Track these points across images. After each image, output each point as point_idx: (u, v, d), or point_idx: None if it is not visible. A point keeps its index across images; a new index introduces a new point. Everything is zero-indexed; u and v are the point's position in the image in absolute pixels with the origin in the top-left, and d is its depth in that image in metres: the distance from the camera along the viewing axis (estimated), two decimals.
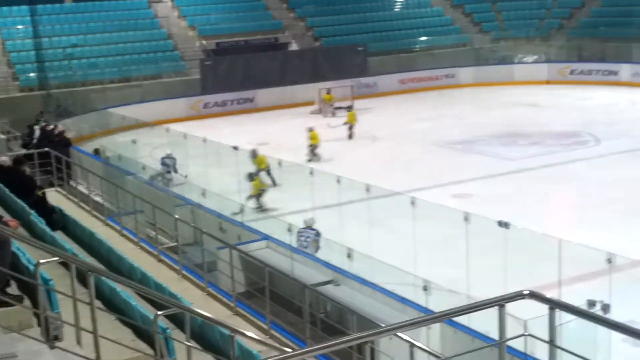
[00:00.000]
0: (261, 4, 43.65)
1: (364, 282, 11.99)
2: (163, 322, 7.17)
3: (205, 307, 9.83)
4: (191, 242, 14.24)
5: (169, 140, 25.24)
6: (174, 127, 26.93)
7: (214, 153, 21.95)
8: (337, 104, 32.77)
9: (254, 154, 21.25)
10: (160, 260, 12.36)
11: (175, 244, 12.99)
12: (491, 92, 37.28)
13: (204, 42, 40.09)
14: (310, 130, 24.86)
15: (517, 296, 4.58)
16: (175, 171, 21.71)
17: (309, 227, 14.58)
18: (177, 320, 7.93)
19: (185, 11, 41.79)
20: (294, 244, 14.11)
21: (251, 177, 19.53)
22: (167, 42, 39.23)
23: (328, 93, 33.89)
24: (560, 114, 30.71)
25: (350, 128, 28.22)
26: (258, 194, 19.33)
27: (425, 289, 10.56)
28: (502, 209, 16.89)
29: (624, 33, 39.58)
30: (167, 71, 37.42)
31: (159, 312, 6.73)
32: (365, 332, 4.37)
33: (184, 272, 11.77)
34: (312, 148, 24.66)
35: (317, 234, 14.39)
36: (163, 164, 21.97)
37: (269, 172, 21.21)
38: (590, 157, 23.24)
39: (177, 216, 13.49)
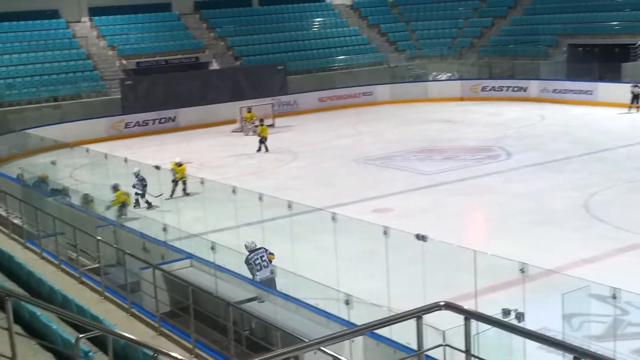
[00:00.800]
0: (181, 24, 43.48)
1: (287, 297, 12.08)
2: (85, 345, 7.13)
3: (129, 328, 9.79)
4: (114, 263, 14.06)
5: (90, 160, 24.85)
6: (94, 147, 26.55)
7: None
8: (257, 122, 32.91)
9: (114, 189, 20.56)
10: (82, 283, 12.19)
11: (97, 265, 12.83)
12: (407, 109, 38.14)
13: (124, 61, 39.60)
14: (179, 164, 22.77)
15: (434, 307, 4.79)
16: (143, 195, 21.36)
17: (251, 251, 13.81)
18: (99, 342, 7.88)
19: (104, 31, 41.20)
20: (250, 276, 13.44)
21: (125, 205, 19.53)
22: (86, 62, 38.56)
23: (249, 111, 34.03)
24: (473, 129, 31.66)
25: (262, 141, 28.98)
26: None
27: (347, 303, 10.67)
28: (419, 222, 17.39)
29: (531, 51, 41.12)
30: (86, 91, 36.81)
31: (81, 335, 6.60)
32: (289, 348, 4.44)
33: (107, 294, 11.63)
34: (182, 181, 22.71)
35: (266, 250, 13.90)
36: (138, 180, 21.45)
37: (123, 207, 20.72)
38: (502, 171, 23.93)
39: (99, 237, 13.32)
